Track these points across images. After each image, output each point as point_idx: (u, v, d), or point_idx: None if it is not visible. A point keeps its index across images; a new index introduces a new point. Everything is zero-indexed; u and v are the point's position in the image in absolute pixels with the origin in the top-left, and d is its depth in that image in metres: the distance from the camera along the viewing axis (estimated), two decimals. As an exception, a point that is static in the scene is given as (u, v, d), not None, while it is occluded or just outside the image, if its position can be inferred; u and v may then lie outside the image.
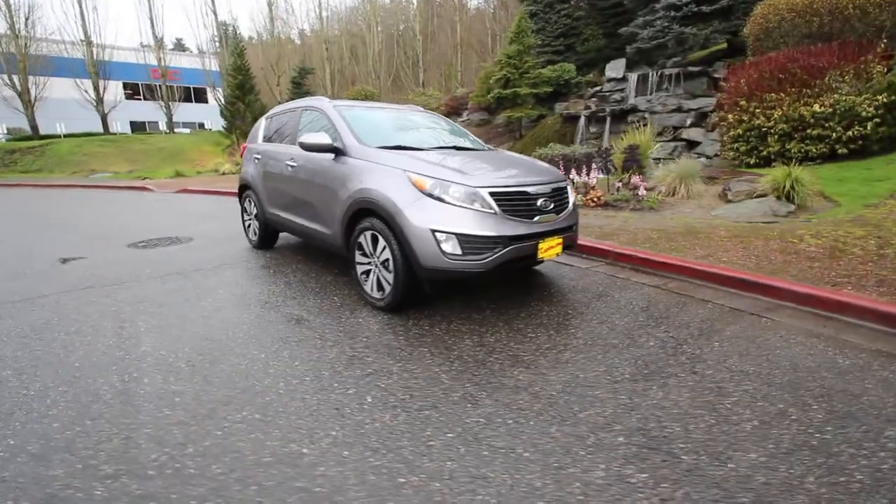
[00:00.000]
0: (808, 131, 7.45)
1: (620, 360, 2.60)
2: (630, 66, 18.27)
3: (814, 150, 7.49)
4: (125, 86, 31.37)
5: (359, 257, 3.44)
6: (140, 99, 33.50)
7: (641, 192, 6.51)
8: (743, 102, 8.31)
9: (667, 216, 5.97)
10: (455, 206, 2.90)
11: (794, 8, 8.56)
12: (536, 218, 3.15)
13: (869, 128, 6.87)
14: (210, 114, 34.25)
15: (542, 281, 4.05)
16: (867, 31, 8.00)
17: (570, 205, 3.49)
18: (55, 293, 3.74)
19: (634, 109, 14.57)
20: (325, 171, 3.70)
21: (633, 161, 7.02)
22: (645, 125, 14.92)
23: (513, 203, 3.05)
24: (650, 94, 15.86)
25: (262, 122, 5.24)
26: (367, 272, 3.40)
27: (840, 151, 7.28)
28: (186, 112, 32.38)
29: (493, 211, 2.95)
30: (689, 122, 13.18)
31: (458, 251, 2.88)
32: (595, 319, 3.17)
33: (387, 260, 3.17)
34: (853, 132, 7.04)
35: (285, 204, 4.42)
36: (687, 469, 1.76)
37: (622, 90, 16.82)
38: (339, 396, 2.21)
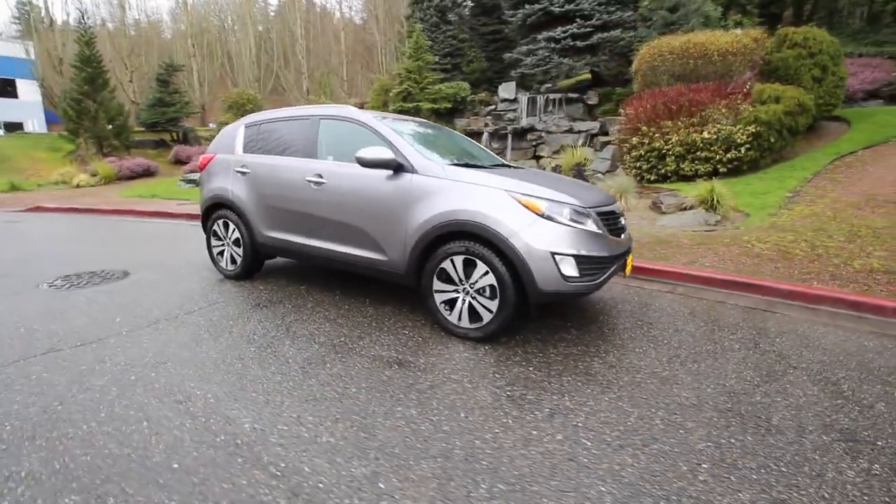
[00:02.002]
0: (698, 153, 9.05)
1: (735, 366, 2.82)
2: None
3: (702, 169, 9.11)
4: None
5: (439, 285, 3.12)
6: None
7: (596, 205, 7.14)
8: (644, 128, 9.72)
9: (623, 227, 6.66)
10: (571, 227, 2.85)
11: (673, 51, 10.39)
12: (622, 236, 3.26)
13: (742, 151, 8.65)
14: (27, 111, 27.02)
15: (580, 295, 4.16)
16: (726, 72, 10.09)
17: (624, 222, 3.69)
18: (6, 364, 2.59)
19: (532, 129, 15.94)
20: (382, 190, 3.28)
21: (581, 177, 7.69)
22: (543, 143, 16.50)
23: (608, 222, 3.11)
24: (539, 116, 17.55)
25: (239, 130, 4.41)
26: (451, 301, 3.11)
27: (721, 170, 8.98)
28: (-15, 108, 25.15)
29: (601, 231, 2.97)
30: (580, 142, 14.90)
31: (576, 273, 2.82)
32: (669, 329, 3.39)
33: (485, 287, 2.94)
34: (731, 154, 8.77)
35: (301, 226, 3.78)
36: (892, 452, 2.00)
37: (514, 110, 18.26)
38: (554, 445, 1.98)
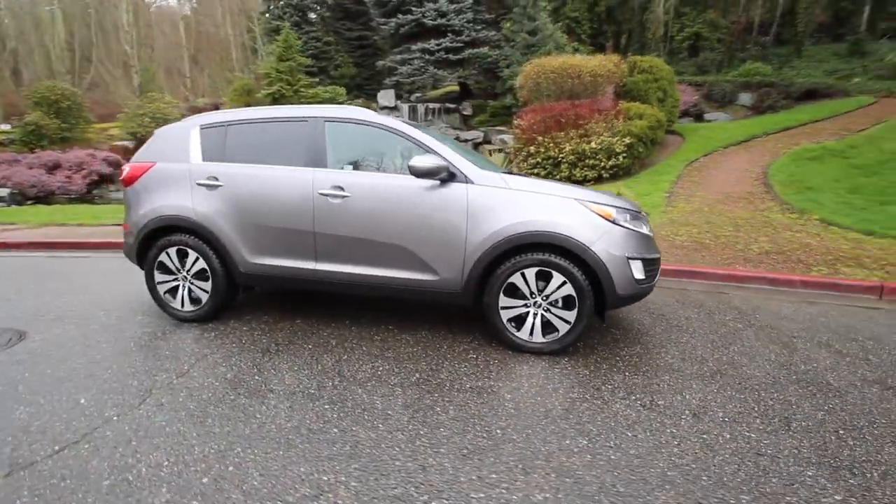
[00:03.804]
0: (587, 161, 10.29)
1: (759, 343, 3.28)
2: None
3: (590, 175, 10.39)
4: None
5: (505, 301, 2.94)
6: None
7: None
8: (540, 138, 10.68)
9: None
10: (635, 231, 2.96)
11: (555, 70, 11.63)
12: (650, 238, 3.52)
13: (621, 159, 10.12)
14: None
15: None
16: (594, 91, 11.68)
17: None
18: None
19: (420, 136, 16.11)
20: (430, 202, 2.95)
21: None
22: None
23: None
24: (421, 124, 17.92)
25: (191, 133, 3.47)
26: (518, 317, 2.96)
27: (605, 176, 10.37)
28: None
29: (651, 234, 3.16)
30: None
31: (644, 276, 2.95)
32: (681, 318, 3.77)
33: (558, 299, 2.88)
34: (612, 162, 10.18)
35: (309, 249, 3.16)
36: (921, 394, 2.58)
37: (396, 118, 18.30)
38: (734, 445, 2.04)
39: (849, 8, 19.82)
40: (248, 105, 18.19)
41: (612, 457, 1.93)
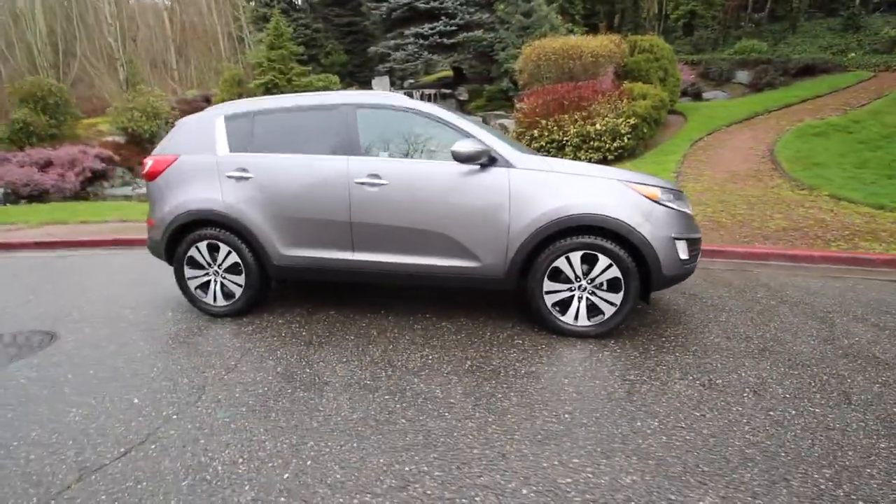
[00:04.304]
0: (592, 143, 10.24)
1: (795, 319, 3.30)
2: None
3: (594, 157, 10.34)
4: None
5: (550, 285, 2.92)
6: None
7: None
8: (543, 122, 10.58)
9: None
10: (679, 211, 2.94)
11: (555, 51, 11.49)
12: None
13: (625, 140, 10.08)
14: None
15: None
16: (595, 72, 11.58)
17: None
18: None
19: (418, 123, 15.94)
20: (471, 187, 2.90)
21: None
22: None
23: (681, 205, 3.30)
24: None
25: (215, 123, 3.36)
26: (562, 301, 2.93)
27: (609, 157, 10.34)
28: None
29: (692, 213, 3.14)
30: (466, 135, 15.49)
31: (688, 256, 2.94)
32: (714, 297, 3.79)
33: (603, 281, 2.86)
34: (617, 143, 10.14)
35: (346, 239, 3.10)
36: (967, 364, 2.61)
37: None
38: (802, 420, 2.05)
39: (842, -18, 19.76)
40: (241, 95, 17.86)
41: (687, 437, 1.93)
